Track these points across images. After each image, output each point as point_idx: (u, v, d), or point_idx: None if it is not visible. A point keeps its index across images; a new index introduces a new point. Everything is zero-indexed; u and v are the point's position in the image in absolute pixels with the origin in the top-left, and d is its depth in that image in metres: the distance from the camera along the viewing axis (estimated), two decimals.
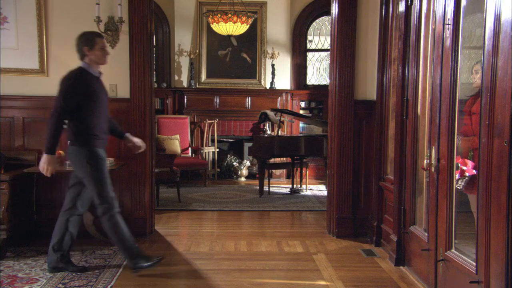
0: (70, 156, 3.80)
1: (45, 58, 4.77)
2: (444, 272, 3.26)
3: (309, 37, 9.48)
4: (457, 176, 3.28)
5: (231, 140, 9.26)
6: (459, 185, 3.26)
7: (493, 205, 2.54)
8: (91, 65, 3.77)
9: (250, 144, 7.67)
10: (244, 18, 7.39)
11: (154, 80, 5.70)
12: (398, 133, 4.15)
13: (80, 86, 3.67)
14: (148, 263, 3.81)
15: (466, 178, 3.25)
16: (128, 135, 4.19)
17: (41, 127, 4.82)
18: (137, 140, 4.18)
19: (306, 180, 7.92)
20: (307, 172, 8.02)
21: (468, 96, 3.51)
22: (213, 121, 8.61)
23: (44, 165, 3.62)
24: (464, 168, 3.25)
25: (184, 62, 8.99)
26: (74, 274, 3.80)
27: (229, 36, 8.02)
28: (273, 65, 8.87)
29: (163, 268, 4.03)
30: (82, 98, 3.68)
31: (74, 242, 3.92)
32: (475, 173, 3.22)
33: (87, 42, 3.73)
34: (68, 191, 3.98)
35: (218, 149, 8.79)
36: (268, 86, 9.03)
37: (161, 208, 6.21)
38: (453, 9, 3.13)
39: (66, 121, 3.72)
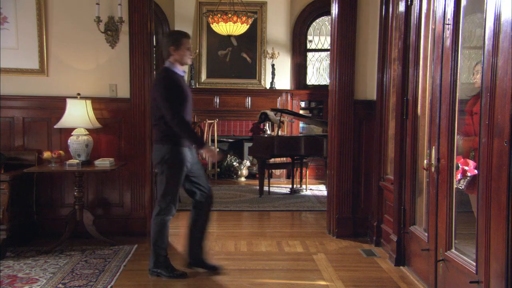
0: (155, 154, 3.77)
1: (45, 58, 4.77)
2: (444, 272, 3.26)
3: (309, 37, 9.48)
4: (459, 176, 3.28)
5: (231, 140, 9.26)
6: (460, 185, 3.26)
7: (493, 205, 2.54)
8: (175, 65, 3.75)
9: (250, 144, 7.66)
10: (244, 18, 7.39)
11: None
12: (398, 133, 4.15)
13: (175, 85, 3.67)
14: (168, 275, 3.76)
15: (468, 178, 3.25)
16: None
17: (41, 127, 4.82)
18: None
19: (306, 180, 7.92)
20: (307, 172, 8.02)
21: (469, 96, 3.51)
22: (213, 121, 8.61)
23: (209, 154, 3.72)
24: (466, 168, 3.24)
25: None
26: (72, 275, 3.80)
27: (229, 36, 8.02)
28: (273, 65, 8.87)
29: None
30: (179, 93, 3.69)
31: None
32: (476, 173, 3.22)
33: (174, 41, 3.72)
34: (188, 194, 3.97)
35: (218, 149, 8.78)
36: (268, 86, 9.03)
37: None
38: (453, 9, 3.13)
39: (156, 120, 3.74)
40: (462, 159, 3.29)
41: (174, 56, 3.73)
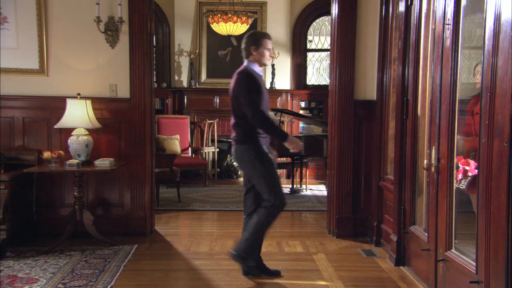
0: (238, 155, 3.83)
1: (45, 58, 4.77)
2: (444, 272, 3.26)
3: (309, 37, 9.47)
4: (460, 176, 3.28)
5: (231, 140, 9.24)
6: (462, 185, 3.26)
7: (493, 205, 2.54)
8: (254, 64, 3.75)
9: None
10: (244, 18, 7.39)
11: (154, 80, 5.70)
12: (398, 133, 4.15)
13: (256, 82, 3.68)
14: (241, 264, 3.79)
15: (469, 178, 3.25)
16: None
17: (41, 127, 4.82)
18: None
19: (306, 180, 7.92)
20: (307, 172, 8.02)
21: (470, 96, 3.51)
22: (213, 121, 8.61)
23: (293, 146, 3.67)
24: (467, 168, 3.24)
25: (184, 62, 8.99)
26: (72, 275, 3.80)
27: (229, 36, 8.02)
28: (273, 65, 8.87)
29: (163, 268, 4.04)
30: (258, 90, 3.69)
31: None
32: (477, 173, 3.22)
33: (255, 41, 3.73)
34: (246, 197, 3.99)
35: (218, 149, 8.79)
36: (268, 86, 9.03)
37: (161, 208, 6.21)
38: (453, 9, 3.13)
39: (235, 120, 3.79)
40: (463, 159, 3.29)
41: (253, 56, 3.74)
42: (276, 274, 3.86)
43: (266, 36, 3.80)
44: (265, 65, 3.84)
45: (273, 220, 3.75)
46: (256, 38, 3.77)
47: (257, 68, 3.77)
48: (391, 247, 4.23)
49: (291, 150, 3.76)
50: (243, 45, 3.79)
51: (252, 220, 3.77)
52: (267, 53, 3.76)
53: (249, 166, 3.79)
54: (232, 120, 3.87)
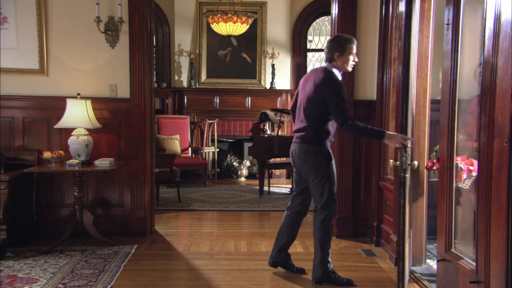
0: (301, 154, 3.69)
1: (45, 58, 4.77)
2: (444, 272, 3.26)
3: (309, 37, 9.48)
4: (464, 176, 3.28)
5: (231, 140, 9.26)
6: (465, 185, 3.26)
7: (493, 205, 2.54)
8: (336, 69, 3.63)
9: (250, 144, 7.66)
10: (244, 18, 7.39)
11: (154, 80, 5.70)
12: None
13: (343, 86, 3.61)
14: (337, 283, 3.70)
15: (473, 178, 3.24)
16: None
17: (41, 127, 4.82)
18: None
19: None
20: None
21: (472, 96, 3.51)
22: (213, 121, 8.61)
23: (393, 142, 3.40)
24: (472, 168, 3.24)
25: (184, 62, 8.99)
26: (72, 275, 3.80)
27: (229, 36, 8.02)
28: (273, 65, 8.87)
29: (163, 268, 4.04)
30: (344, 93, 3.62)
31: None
32: None
33: (340, 47, 3.60)
34: (295, 196, 3.94)
35: (218, 149, 8.79)
36: (268, 86, 9.03)
37: (161, 208, 6.21)
38: (452, 9, 3.13)
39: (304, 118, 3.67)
40: (467, 159, 3.29)
41: (336, 62, 3.62)
42: (302, 271, 3.91)
43: (351, 41, 3.64)
44: (347, 71, 3.72)
45: (330, 230, 3.76)
46: (341, 43, 3.61)
47: (338, 73, 3.65)
48: (391, 247, 4.23)
49: (393, 146, 3.56)
50: (326, 49, 3.68)
51: (315, 240, 3.75)
52: (351, 59, 3.62)
53: (310, 167, 3.68)
54: (302, 120, 3.70)
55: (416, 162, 3.33)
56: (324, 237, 3.71)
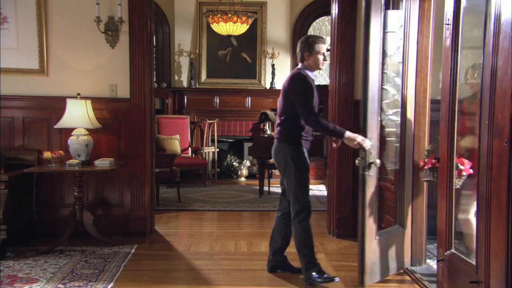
0: (275, 153, 3.78)
1: (45, 58, 4.77)
2: (444, 272, 3.26)
3: None
4: (455, 175, 3.29)
5: (231, 140, 9.26)
6: (456, 184, 3.27)
7: (493, 205, 2.54)
8: (307, 69, 3.73)
9: (250, 144, 7.66)
10: (244, 18, 7.39)
11: (154, 80, 5.70)
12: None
13: (311, 86, 3.65)
14: (320, 279, 3.71)
15: (463, 177, 3.26)
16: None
17: (41, 127, 4.82)
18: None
19: None
20: None
21: (463, 98, 3.54)
22: (213, 121, 8.61)
23: (356, 141, 3.52)
24: (462, 167, 3.25)
25: (184, 62, 8.99)
26: (72, 274, 3.80)
27: (229, 36, 8.02)
28: (273, 65, 8.87)
29: (163, 268, 4.04)
30: (313, 92, 3.66)
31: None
32: (472, 172, 3.23)
33: (308, 47, 3.68)
34: (281, 197, 3.97)
35: (218, 149, 8.79)
36: (268, 86, 9.03)
37: (161, 208, 6.21)
38: (452, 9, 3.13)
39: (282, 118, 3.74)
40: (458, 159, 3.30)
41: (307, 61, 3.71)
42: (299, 271, 3.88)
43: (320, 41, 3.72)
44: (319, 69, 3.79)
45: (309, 229, 3.74)
46: (309, 43, 3.70)
47: (310, 72, 3.73)
48: None
49: (358, 146, 3.57)
50: (297, 49, 3.77)
51: (295, 241, 3.76)
52: (320, 58, 3.70)
53: (283, 165, 3.74)
54: (277, 119, 3.84)
55: (378, 161, 3.44)
56: (303, 238, 3.72)
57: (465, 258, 3.02)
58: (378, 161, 3.45)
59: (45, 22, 4.74)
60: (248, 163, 8.86)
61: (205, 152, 8.47)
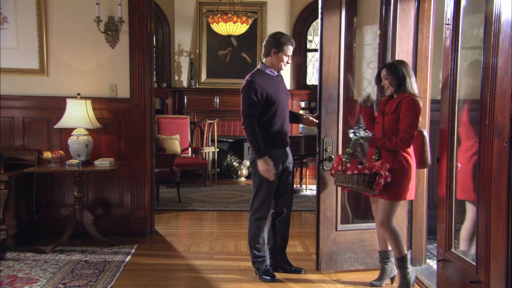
0: (250, 154, 3.77)
1: (45, 58, 4.77)
2: (444, 272, 3.25)
3: (309, 37, 9.47)
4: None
5: (231, 140, 9.26)
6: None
7: (493, 205, 2.54)
8: (268, 67, 3.71)
9: None
10: (244, 18, 7.39)
11: (154, 80, 5.70)
12: None
13: (252, 90, 3.59)
14: (261, 275, 3.78)
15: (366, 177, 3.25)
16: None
17: (41, 127, 4.82)
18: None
19: (306, 180, 7.91)
20: (307, 172, 8.02)
21: (381, 96, 3.63)
22: (213, 121, 8.61)
23: (261, 168, 3.62)
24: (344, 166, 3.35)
25: (184, 62, 8.99)
26: (72, 275, 3.80)
27: (229, 36, 8.02)
28: None
29: (163, 268, 4.04)
30: (260, 103, 3.63)
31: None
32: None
33: (278, 45, 3.63)
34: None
35: (218, 149, 8.79)
36: None
37: (161, 208, 6.21)
38: (452, 9, 3.13)
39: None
40: (338, 157, 3.46)
41: (271, 58, 3.67)
42: (299, 271, 3.91)
43: (290, 42, 3.69)
44: (280, 69, 3.75)
45: (258, 231, 3.75)
46: (280, 42, 3.64)
47: (270, 70, 3.71)
48: None
49: (260, 170, 3.64)
50: (264, 42, 3.73)
51: (248, 236, 3.83)
52: (285, 59, 3.68)
53: (252, 167, 3.78)
54: None
55: (333, 157, 3.62)
56: (252, 238, 3.78)
57: (465, 258, 3.02)
58: (333, 157, 3.67)
59: (45, 22, 4.74)
60: (248, 163, 8.84)
61: (205, 152, 8.47)
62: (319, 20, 3.77)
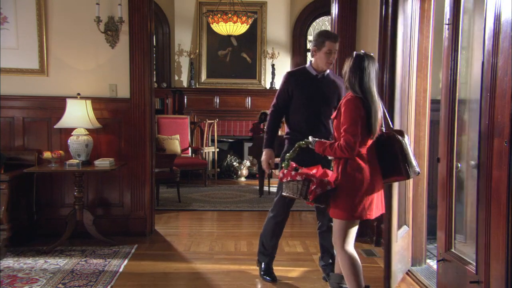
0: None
1: (45, 58, 4.77)
2: (444, 272, 3.25)
3: (309, 37, 9.47)
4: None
5: (231, 140, 9.26)
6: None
7: (493, 205, 2.54)
8: (314, 66, 3.59)
9: (250, 144, 7.66)
10: (244, 18, 7.39)
11: (154, 80, 5.70)
12: None
13: (283, 83, 3.69)
14: (262, 274, 3.82)
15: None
16: None
17: (41, 127, 4.82)
18: None
19: None
20: None
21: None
22: (213, 121, 8.61)
23: (263, 157, 3.71)
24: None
25: (184, 62, 8.99)
26: (72, 275, 3.80)
27: (229, 36, 8.02)
28: (273, 65, 8.87)
29: (163, 268, 4.04)
30: (288, 97, 3.66)
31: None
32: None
33: (317, 43, 3.48)
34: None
35: (218, 149, 8.79)
36: (268, 86, 9.03)
37: (161, 208, 6.21)
38: (452, 9, 3.13)
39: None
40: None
41: (315, 57, 3.55)
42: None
43: (330, 37, 3.45)
44: (323, 69, 3.55)
45: (269, 228, 3.76)
46: (318, 39, 3.46)
47: (311, 69, 3.60)
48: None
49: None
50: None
51: (262, 231, 3.85)
52: (324, 58, 3.46)
53: None
54: None
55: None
56: (263, 233, 3.80)
57: (465, 258, 3.02)
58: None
59: (45, 22, 4.74)
60: (248, 163, 8.85)
61: (205, 152, 8.47)
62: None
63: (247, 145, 8.80)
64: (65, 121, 4.52)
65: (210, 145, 8.69)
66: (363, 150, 2.87)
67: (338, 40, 3.53)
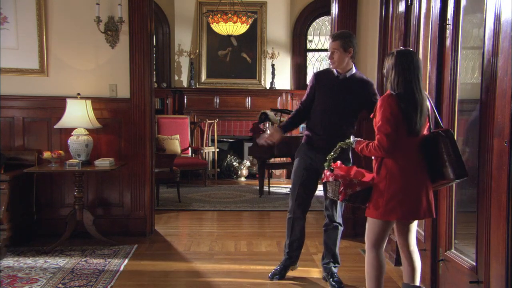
0: None
1: (45, 58, 4.77)
2: (444, 272, 3.26)
3: (309, 37, 9.48)
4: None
5: (231, 140, 9.25)
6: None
7: (493, 205, 2.54)
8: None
9: (250, 144, 7.65)
10: (244, 18, 7.39)
11: (154, 80, 5.70)
12: None
13: (311, 80, 3.75)
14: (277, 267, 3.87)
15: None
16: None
17: (41, 127, 4.83)
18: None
19: None
20: None
21: None
22: (213, 121, 8.61)
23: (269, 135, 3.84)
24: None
25: (184, 62, 8.99)
26: (72, 274, 3.80)
27: (229, 36, 8.02)
28: (273, 65, 8.87)
29: (163, 268, 4.04)
30: (312, 96, 3.71)
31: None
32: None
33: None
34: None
35: (218, 149, 8.79)
36: (268, 86, 9.03)
37: (161, 208, 6.21)
38: (452, 9, 3.13)
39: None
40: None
41: None
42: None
43: (331, 37, 3.62)
44: (345, 69, 3.60)
45: (289, 226, 3.81)
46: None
47: (335, 70, 3.64)
48: (391, 247, 4.22)
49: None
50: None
51: None
52: (329, 55, 3.59)
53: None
54: None
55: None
56: (287, 227, 3.84)
57: (465, 258, 3.02)
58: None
59: (45, 22, 4.74)
60: (248, 163, 8.86)
61: (205, 152, 8.47)
62: (402, 16, 3.41)
63: (247, 145, 8.80)
64: (65, 121, 4.52)
65: (210, 145, 8.69)
66: (402, 150, 2.76)
67: (335, 38, 3.56)
